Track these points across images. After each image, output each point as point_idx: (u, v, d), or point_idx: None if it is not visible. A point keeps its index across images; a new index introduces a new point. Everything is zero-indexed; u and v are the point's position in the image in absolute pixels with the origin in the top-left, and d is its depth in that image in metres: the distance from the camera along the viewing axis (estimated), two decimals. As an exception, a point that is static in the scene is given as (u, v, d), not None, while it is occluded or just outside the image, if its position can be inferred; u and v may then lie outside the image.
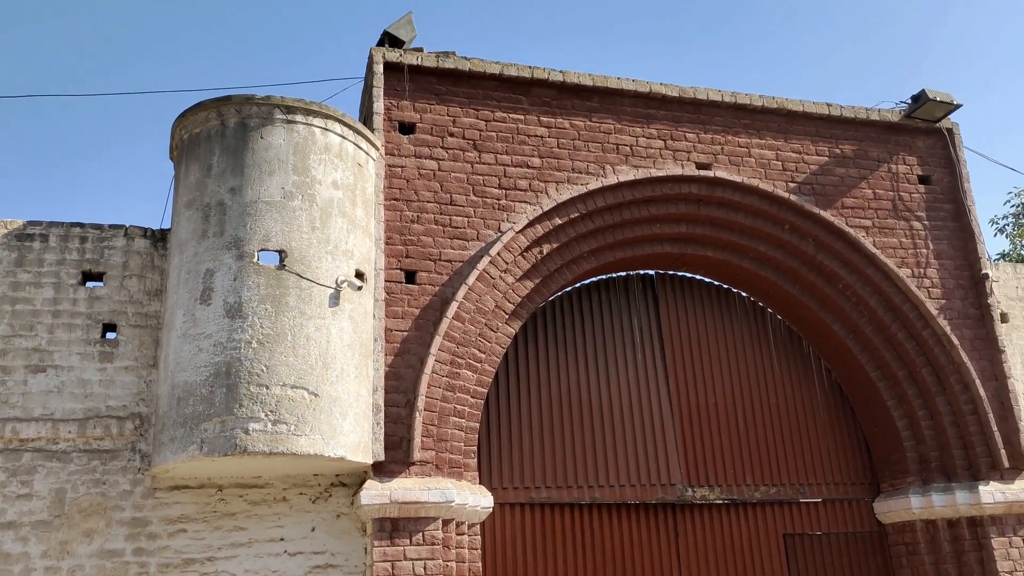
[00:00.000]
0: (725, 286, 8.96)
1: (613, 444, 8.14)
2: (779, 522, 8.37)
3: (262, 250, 6.45)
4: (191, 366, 6.22)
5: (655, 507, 8.10)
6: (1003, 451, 8.13)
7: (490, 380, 7.44)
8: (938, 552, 8.09)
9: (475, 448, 7.23)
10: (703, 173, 8.22)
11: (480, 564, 7.05)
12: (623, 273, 8.75)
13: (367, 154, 7.27)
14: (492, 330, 7.47)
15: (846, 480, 8.65)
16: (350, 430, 6.43)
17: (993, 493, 7.99)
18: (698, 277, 8.93)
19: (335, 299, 6.57)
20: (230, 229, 6.46)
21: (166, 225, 7.17)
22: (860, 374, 8.63)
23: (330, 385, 6.39)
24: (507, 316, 7.59)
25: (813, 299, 8.61)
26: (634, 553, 7.92)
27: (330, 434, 6.27)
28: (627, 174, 8.04)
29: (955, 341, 8.32)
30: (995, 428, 8.17)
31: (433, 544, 6.59)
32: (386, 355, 6.99)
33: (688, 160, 8.30)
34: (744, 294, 8.99)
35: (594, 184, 7.90)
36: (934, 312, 8.38)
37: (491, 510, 7.26)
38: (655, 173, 8.09)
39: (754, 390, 8.72)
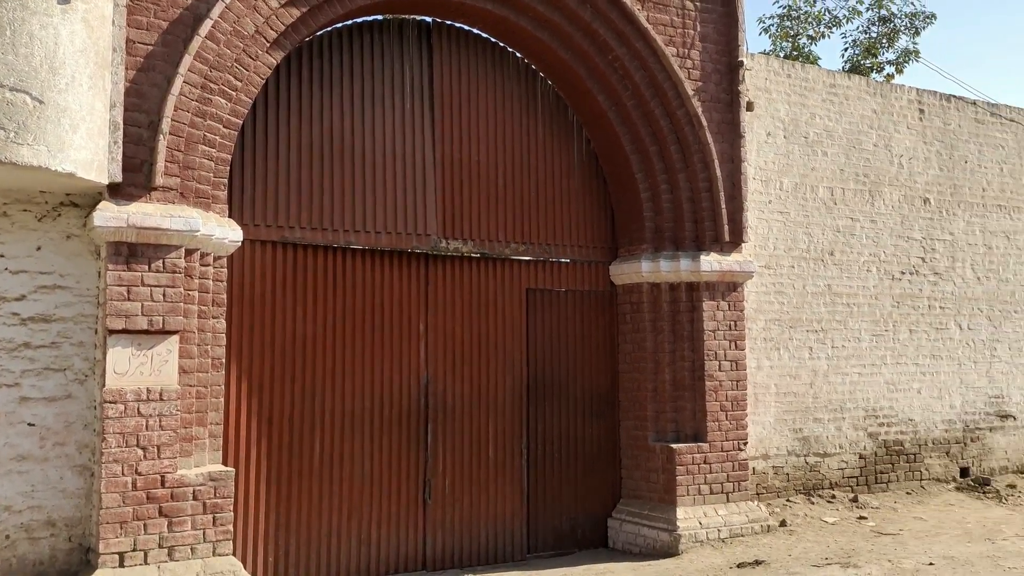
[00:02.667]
0: (501, 44, 8.85)
1: (372, 191, 8.11)
2: (524, 277, 8.89)
3: (-30, -78, 5.46)
4: None
5: (408, 255, 8.30)
6: (727, 227, 8.97)
7: (246, 111, 7.04)
8: (657, 311, 9.00)
9: (226, 180, 6.94)
10: (491, -83, 7.82)
11: (225, 296, 6.98)
12: (398, 16, 8.37)
13: None
14: (251, 57, 6.97)
15: (589, 244, 9.25)
16: (82, 145, 5.90)
17: (711, 263, 8.88)
18: (475, 31, 8.73)
19: (65, -5, 5.78)
20: None
21: None
22: (616, 146, 9.04)
23: (58, 93, 5.75)
24: (268, 44, 7.09)
25: (583, 67, 8.73)
26: (384, 298, 8.16)
27: (58, 147, 5.73)
28: (411, -95, 7.48)
29: (704, 123, 8.85)
30: (724, 206, 8.95)
31: (174, 272, 6.40)
32: (127, 69, 6.36)
33: (477, -100, 7.83)
34: (519, 55, 8.94)
35: (374, -90, 7.31)
36: (690, 93, 8.80)
37: (240, 244, 7.11)
38: (441, -91, 7.59)
39: (516, 151, 8.91)
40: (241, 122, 7.00)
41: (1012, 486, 10.92)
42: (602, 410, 9.19)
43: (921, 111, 11.21)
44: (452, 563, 8.20)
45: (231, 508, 6.55)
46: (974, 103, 11.77)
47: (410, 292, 8.30)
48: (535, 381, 8.85)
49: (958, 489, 10.71)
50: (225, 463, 7.04)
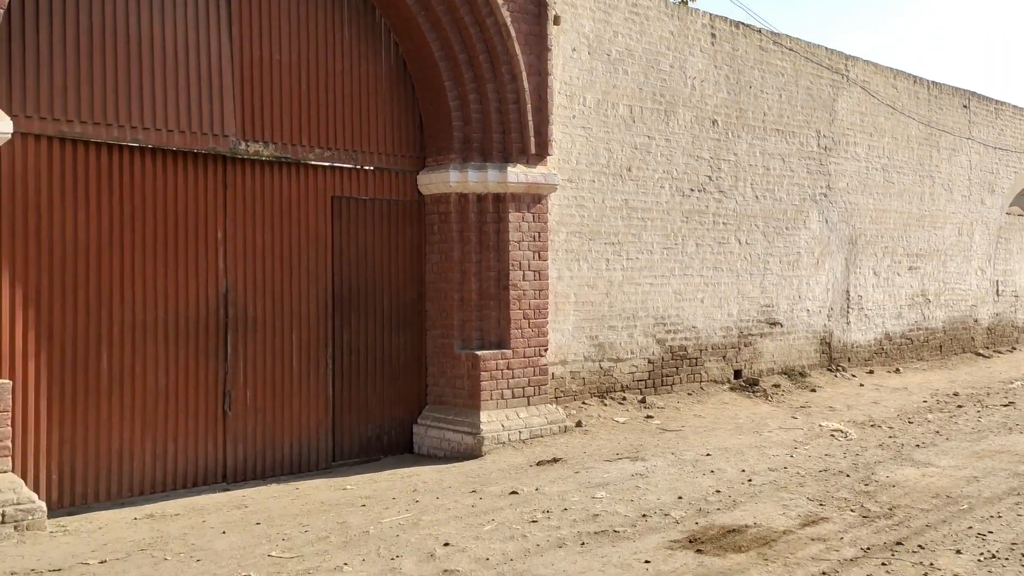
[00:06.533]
0: (304, -64, 8.38)
1: (163, 85, 7.53)
2: (330, 185, 8.65)
3: None
4: None
5: (204, 156, 7.83)
6: (533, 139, 9.12)
7: (13, -14, 6.27)
8: (465, 221, 9.07)
9: (-10, 64, 6.19)
10: None
11: (-6, 194, 6.30)
12: None
13: None
14: (17, -76, 6.18)
15: (397, 152, 9.12)
16: None
17: (518, 175, 9.03)
18: (276, -81, 8.19)
19: None
20: None
21: None
22: (425, 52, 8.87)
23: None
24: (39, -88, 6.32)
25: (392, -33, 8.46)
26: (178, 202, 7.68)
27: None
28: None
29: (513, 33, 8.86)
30: (531, 119, 9.08)
31: (-70, 164, 5.68)
32: None
33: None
34: (323, -51, 8.51)
35: None
36: (500, 2, 8.75)
37: (9, 137, 6.40)
38: None
39: (322, 53, 8.55)
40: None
41: (777, 385, 12.11)
42: (409, 319, 9.22)
43: (713, 36, 11.79)
44: (254, 474, 8.06)
45: (8, 423, 6.05)
46: (759, 31, 12.52)
47: (207, 196, 7.86)
48: (341, 291, 8.72)
49: (732, 389, 11.74)
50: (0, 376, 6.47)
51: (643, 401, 10.58)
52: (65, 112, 6.98)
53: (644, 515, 6.41)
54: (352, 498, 7.15)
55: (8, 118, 6.36)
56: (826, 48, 13.61)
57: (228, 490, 7.66)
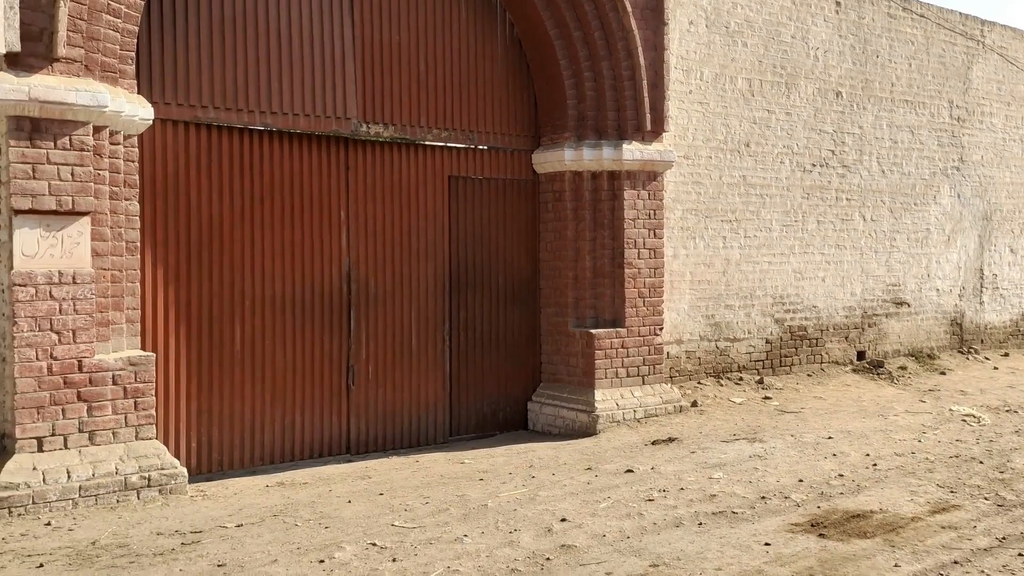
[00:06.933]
0: (422, -82, 8.49)
1: (289, 71, 7.80)
2: (447, 165, 8.79)
3: None
4: None
5: (328, 139, 8.08)
6: (649, 116, 9.01)
7: (153, -21, 6.61)
8: (579, 199, 9.07)
9: (133, 54, 6.55)
10: None
11: (138, 177, 6.69)
12: None
13: None
14: (156, -80, 6.51)
15: (512, 132, 9.18)
16: (-27, 10, 5.45)
17: (633, 152, 8.95)
18: (395, -97, 8.33)
19: None
20: None
21: None
22: (540, 30, 8.88)
23: (-57, -50, 5.26)
24: (175, -93, 6.62)
25: (507, -54, 8.48)
26: (303, 183, 7.96)
27: (-54, 10, 5.28)
28: None
29: (628, 8, 8.75)
30: (646, 95, 8.97)
31: (82, 150, 6.08)
32: (19, -73, 5.84)
33: None
34: (440, -69, 8.60)
35: None
36: (615, -23, 8.66)
37: (151, 123, 6.78)
38: None
39: (438, 34, 8.67)
40: (148, -9, 6.58)
41: (903, 368, 11.65)
42: (524, 297, 9.31)
43: (838, 4, 11.33)
44: (376, 447, 8.33)
45: (153, 393, 6.45)
46: (888, -2, 11.95)
47: (331, 177, 8.12)
48: (457, 269, 8.87)
49: (855, 371, 11.36)
50: (143, 350, 6.88)
51: (760, 382, 10.37)
52: (200, 98, 7.33)
53: (763, 497, 6.31)
54: (470, 472, 7.31)
55: (149, 105, 6.73)
56: (960, 13, 12.88)
57: (351, 461, 7.96)
